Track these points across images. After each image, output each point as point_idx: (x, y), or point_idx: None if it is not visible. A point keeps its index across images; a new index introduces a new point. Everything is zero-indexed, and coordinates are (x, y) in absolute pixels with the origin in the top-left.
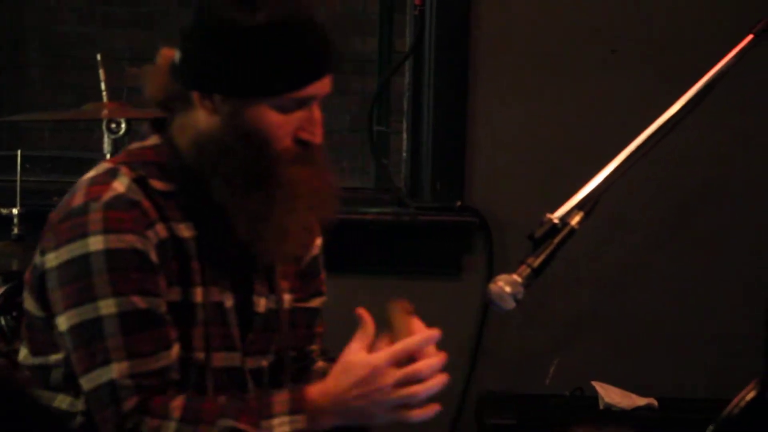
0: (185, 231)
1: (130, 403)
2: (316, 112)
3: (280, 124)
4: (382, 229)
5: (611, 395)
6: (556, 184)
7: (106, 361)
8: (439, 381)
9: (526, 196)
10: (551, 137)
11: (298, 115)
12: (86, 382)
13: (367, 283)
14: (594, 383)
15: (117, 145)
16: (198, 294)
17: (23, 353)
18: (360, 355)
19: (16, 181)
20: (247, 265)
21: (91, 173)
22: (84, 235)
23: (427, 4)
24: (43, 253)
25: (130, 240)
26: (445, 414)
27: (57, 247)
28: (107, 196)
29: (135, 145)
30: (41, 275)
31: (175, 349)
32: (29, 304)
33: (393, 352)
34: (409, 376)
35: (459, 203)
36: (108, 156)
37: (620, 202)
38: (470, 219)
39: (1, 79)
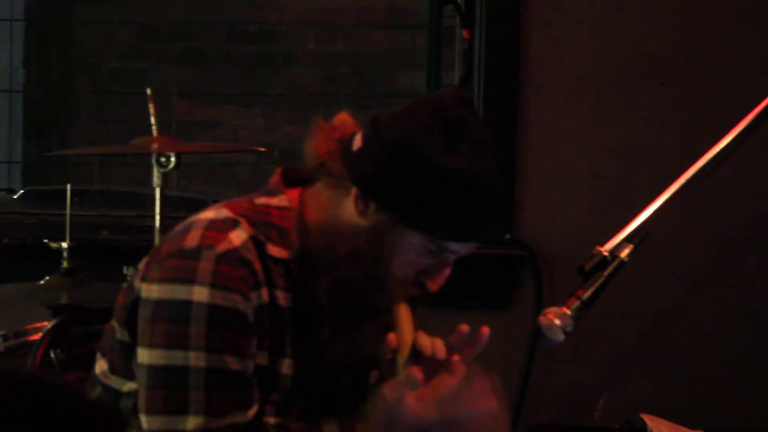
0: (285, 300)
1: None
2: (448, 267)
3: (413, 259)
4: None
5: (661, 428)
6: (606, 216)
7: (183, 411)
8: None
9: (575, 228)
10: (600, 169)
11: (431, 259)
12: (151, 422)
13: (417, 315)
14: (643, 416)
15: (166, 179)
16: (285, 365)
17: (102, 366)
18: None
19: (65, 215)
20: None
21: (210, 214)
22: (191, 281)
23: (475, 38)
24: (143, 280)
25: (234, 299)
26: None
27: (161, 281)
28: (222, 247)
29: (261, 199)
30: (135, 300)
31: (253, 410)
32: (116, 324)
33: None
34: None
35: (508, 236)
36: (157, 190)
37: (669, 236)
38: (519, 252)
39: (52, 115)
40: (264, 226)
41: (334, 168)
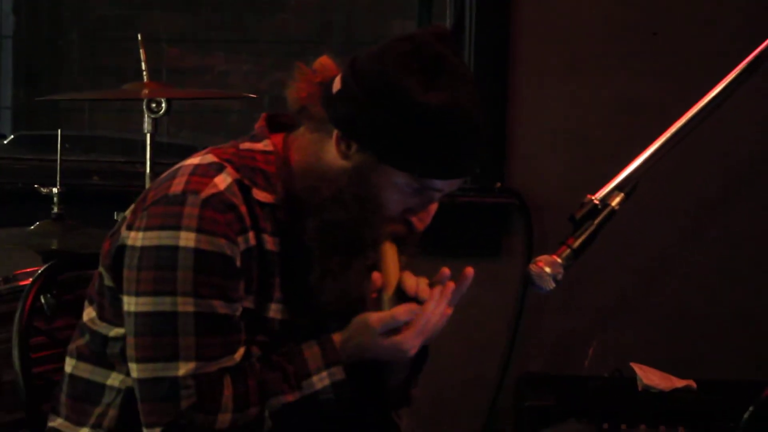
0: (272, 245)
1: (187, 402)
2: (434, 204)
3: (399, 199)
4: None
5: (650, 377)
6: (596, 165)
7: (173, 358)
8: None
9: (566, 177)
10: (592, 119)
11: (416, 198)
12: (141, 371)
13: (403, 255)
14: (633, 365)
15: (156, 125)
16: (273, 309)
17: (90, 314)
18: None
19: (56, 160)
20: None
21: (195, 160)
22: (177, 227)
23: None
24: (129, 228)
25: (220, 243)
26: (484, 395)
27: (147, 228)
28: (207, 192)
29: (246, 144)
30: (120, 248)
31: (240, 352)
32: (103, 270)
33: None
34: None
35: (499, 185)
36: (148, 136)
37: (660, 185)
38: (510, 200)
39: (42, 61)
40: (249, 170)
41: (315, 111)
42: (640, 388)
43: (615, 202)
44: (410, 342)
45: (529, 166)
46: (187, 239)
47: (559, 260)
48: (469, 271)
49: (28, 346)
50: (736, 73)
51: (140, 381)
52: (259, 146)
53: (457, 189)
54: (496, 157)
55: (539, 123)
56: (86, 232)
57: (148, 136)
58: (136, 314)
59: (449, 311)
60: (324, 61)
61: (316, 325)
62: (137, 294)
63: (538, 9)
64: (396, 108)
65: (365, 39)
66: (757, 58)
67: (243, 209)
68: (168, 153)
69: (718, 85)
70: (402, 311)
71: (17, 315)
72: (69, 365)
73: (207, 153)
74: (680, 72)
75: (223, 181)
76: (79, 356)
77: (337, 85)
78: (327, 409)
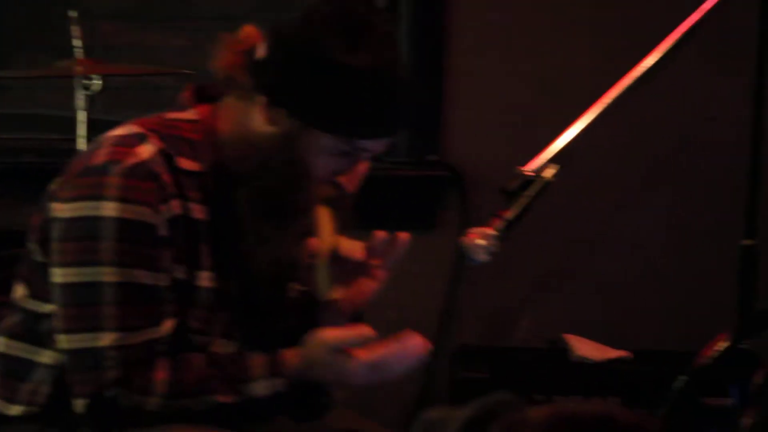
0: (200, 213)
1: (111, 374)
2: (363, 165)
3: (327, 162)
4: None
5: (584, 348)
6: (531, 138)
7: (97, 328)
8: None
9: (502, 150)
10: (527, 91)
11: (345, 160)
12: (68, 341)
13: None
14: (566, 336)
15: (91, 102)
16: (204, 278)
17: (21, 291)
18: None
19: None
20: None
21: (119, 131)
22: (99, 197)
23: None
24: (55, 200)
25: (143, 212)
26: (419, 368)
27: (71, 199)
28: (129, 161)
29: (172, 114)
30: (47, 220)
31: (166, 325)
32: (32, 246)
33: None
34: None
35: (433, 157)
36: (82, 113)
37: (593, 156)
38: (444, 173)
39: None
40: (174, 139)
41: (241, 80)
42: (574, 359)
43: (548, 173)
44: (359, 373)
45: (464, 139)
46: (109, 209)
47: (492, 232)
48: (404, 235)
49: None
50: (669, 43)
51: (68, 352)
52: (185, 115)
53: (391, 160)
54: (430, 131)
55: (474, 96)
56: (20, 210)
57: (82, 113)
58: (62, 285)
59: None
60: (248, 30)
61: (247, 293)
62: (62, 265)
63: None
64: (320, 71)
65: None
66: (690, 29)
67: (166, 178)
68: (103, 130)
69: (649, 56)
70: (356, 334)
71: None
72: (0, 344)
73: (131, 124)
74: (614, 44)
75: (145, 150)
76: (11, 335)
77: (261, 52)
78: (260, 413)
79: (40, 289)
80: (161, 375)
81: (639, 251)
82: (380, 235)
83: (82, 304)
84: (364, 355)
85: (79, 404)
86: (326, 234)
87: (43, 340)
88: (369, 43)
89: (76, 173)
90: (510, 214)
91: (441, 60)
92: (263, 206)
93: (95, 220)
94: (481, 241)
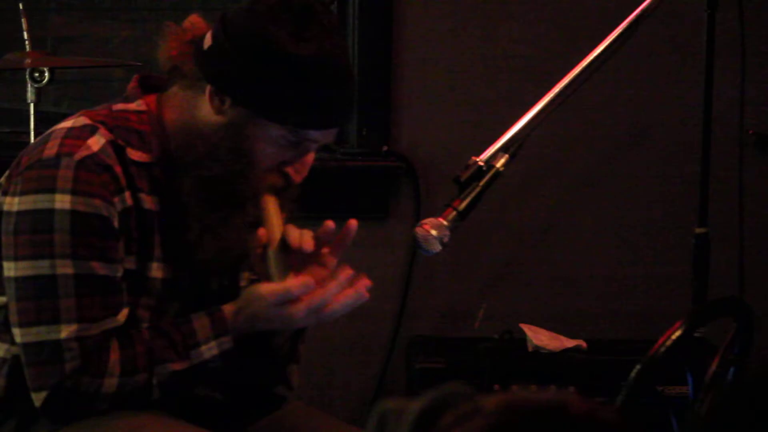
0: (150, 204)
1: (72, 365)
2: (310, 156)
3: (275, 151)
4: (309, 175)
5: (540, 338)
6: (483, 128)
7: (54, 321)
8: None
9: (453, 139)
10: (478, 81)
11: (292, 150)
12: (25, 335)
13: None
14: (522, 326)
15: (40, 95)
16: (155, 268)
17: None
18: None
19: None
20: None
21: (68, 123)
22: (52, 189)
23: None
24: (5, 194)
25: (96, 204)
26: (375, 358)
27: (22, 193)
28: (80, 153)
29: (119, 105)
30: None
31: (123, 313)
32: None
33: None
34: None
35: (385, 148)
36: (32, 106)
37: (546, 147)
38: (396, 164)
39: None
40: (123, 130)
41: (187, 69)
42: (530, 349)
43: (500, 163)
44: (303, 318)
45: (416, 129)
46: (62, 201)
47: (445, 222)
48: (353, 222)
49: None
50: (619, 30)
51: (24, 345)
52: (132, 106)
53: (343, 151)
54: (382, 121)
55: (425, 85)
56: None
57: (32, 105)
58: (16, 279)
59: (350, 298)
60: (194, 19)
61: (198, 283)
62: (16, 259)
63: None
64: (267, 60)
65: None
66: (640, 15)
67: (118, 169)
68: (53, 122)
69: (601, 44)
70: (296, 284)
71: None
72: None
73: (80, 116)
74: (565, 31)
75: (96, 142)
76: None
77: (208, 41)
78: (215, 375)
79: None
80: (114, 356)
81: (593, 240)
82: (330, 224)
83: (39, 297)
84: (305, 300)
85: (39, 397)
86: (274, 223)
87: None
88: (314, 33)
89: (26, 166)
90: (462, 204)
91: (390, 50)
92: (209, 195)
93: (48, 213)
94: (434, 232)
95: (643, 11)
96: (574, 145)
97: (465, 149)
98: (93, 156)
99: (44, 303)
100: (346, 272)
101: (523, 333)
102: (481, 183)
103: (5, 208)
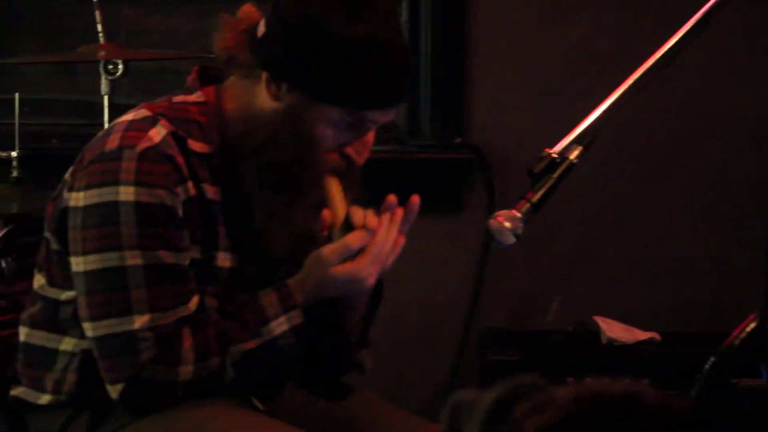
0: (213, 194)
1: (147, 355)
2: (370, 136)
3: (334, 134)
4: (382, 168)
5: (614, 330)
6: (556, 119)
7: (127, 312)
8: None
9: (526, 131)
10: (550, 72)
11: (352, 132)
12: (96, 328)
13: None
14: (596, 318)
15: (114, 87)
16: (221, 258)
17: (40, 281)
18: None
19: (14, 124)
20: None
21: (129, 116)
22: (115, 182)
23: None
24: (70, 189)
25: (160, 195)
26: (447, 351)
27: (86, 187)
28: (142, 145)
29: (179, 97)
30: (63, 210)
31: (194, 301)
32: (49, 235)
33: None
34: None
35: (458, 140)
36: (105, 98)
37: (619, 137)
38: (469, 156)
39: None
40: (183, 122)
41: (243, 59)
42: (603, 342)
43: (573, 155)
44: (366, 269)
45: (489, 121)
46: (126, 193)
47: (518, 215)
48: (415, 198)
49: None
50: (692, 23)
51: (96, 339)
52: (192, 98)
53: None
54: (455, 113)
55: (498, 77)
56: (46, 196)
57: (106, 98)
58: (85, 273)
59: (402, 240)
60: (247, 9)
61: (266, 271)
62: (84, 253)
63: None
64: (320, 43)
65: None
66: (712, 8)
67: (180, 160)
68: None
69: (674, 36)
70: (353, 238)
71: None
72: (23, 334)
73: (140, 108)
74: (638, 23)
75: (157, 133)
76: (33, 324)
77: (261, 29)
78: (288, 354)
79: (58, 277)
80: (187, 343)
81: (668, 232)
82: (392, 198)
83: (109, 290)
84: (366, 251)
85: (114, 390)
86: (337, 205)
87: (64, 328)
88: (367, 14)
89: (90, 161)
90: (536, 197)
91: (463, 42)
92: (272, 182)
93: (113, 206)
94: (508, 224)
95: (717, 2)
96: (648, 134)
97: (538, 141)
98: (155, 147)
99: (115, 295)
100: (395, 211)
101: (597, 325)
102: (555, 175)
103: (71, 203)
